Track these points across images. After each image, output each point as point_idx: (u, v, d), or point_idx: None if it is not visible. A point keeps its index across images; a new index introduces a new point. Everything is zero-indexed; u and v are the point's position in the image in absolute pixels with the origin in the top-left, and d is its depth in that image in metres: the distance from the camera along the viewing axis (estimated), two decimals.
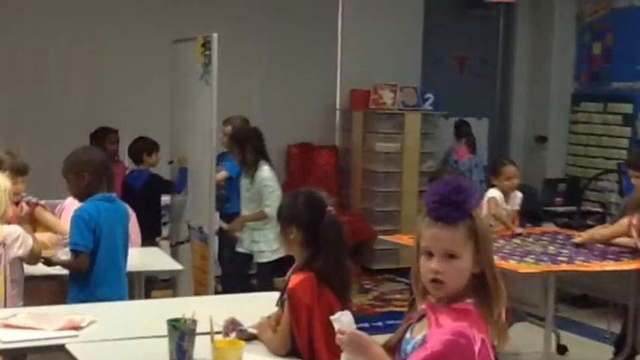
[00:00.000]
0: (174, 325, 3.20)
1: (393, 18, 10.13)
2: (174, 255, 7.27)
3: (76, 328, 3.66)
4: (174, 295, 6.91)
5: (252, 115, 8.39)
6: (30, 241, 4.60)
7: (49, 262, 4.76)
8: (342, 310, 2.75)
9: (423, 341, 2.36)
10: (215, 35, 6.81)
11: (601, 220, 8.96)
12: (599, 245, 6.12)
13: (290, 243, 3.41)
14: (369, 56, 10.03)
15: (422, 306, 2.43)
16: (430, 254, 2.37)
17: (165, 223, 8.03)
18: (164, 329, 3.22)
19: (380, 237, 7.94)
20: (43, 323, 3.67)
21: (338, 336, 2.50)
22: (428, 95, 9.99)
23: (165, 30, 8.43)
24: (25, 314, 3.84)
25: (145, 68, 9.04)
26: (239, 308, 3.71)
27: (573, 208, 8.98)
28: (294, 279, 3.30)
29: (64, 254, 4.73)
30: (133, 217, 5.59)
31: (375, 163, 9.72)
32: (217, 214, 7.43)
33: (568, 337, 7.23)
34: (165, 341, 3.20)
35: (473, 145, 10.12)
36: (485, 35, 11.00)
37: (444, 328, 2.33)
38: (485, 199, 6.62)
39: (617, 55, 10.11)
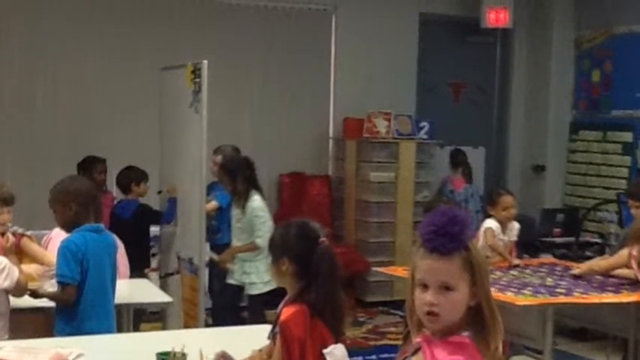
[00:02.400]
0: (164, 358, 3.22)
1: (388, 45, 10.21)
2: (164, 287, 7.28)
3: None
4: (163, 328, 6.92)
5: (244, 144, 8.48)
6: (16, 273, 4.62)
7: (35, 294, 4.78)
8: (336, 343, 2.77)
9: None
10: (205, 62, 6.84)
11: (600, 251, 8.99)
12: (598, 277, 6.15)
13: (282, 275, 3.43)
14: (362, 84, 10.10)
15: (417, 339, 2.45)
16: (425, 286, 2.38)
17: (154, 254, 8.05)
18: None
19: (374, 268, 7.96)
20: (29, 357, 3.68)
21: None
22: (423, 123, 10.03)
23: (154, 57, 8.49)
24: (10, 347, 3.85)
25: (133, 96, 9.08)
26: (230, 341, 3.72)
27: (572, 239, 9.00)
28: (286, 311, 3.32)
29: (51, 286, 4.73)
30: (121, 248, 5.61)
31: (368, 192, 9.75)
32: (207, 245, 7.45)
33: None
34: None
35: (469, 175, 10.14)
36: (482, 62, 11.06)
37: None
38: (482, 229, 6.65)
39: (616, 82, 10.17)
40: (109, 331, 4.68)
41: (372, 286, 9.62)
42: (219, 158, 7.71)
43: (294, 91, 10.03)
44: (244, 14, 9.74)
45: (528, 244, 8.72)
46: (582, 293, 5.66)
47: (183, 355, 3.23)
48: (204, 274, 7.24)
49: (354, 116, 9.93)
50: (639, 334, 5.92)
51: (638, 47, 9.84)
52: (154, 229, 7.88)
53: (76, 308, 4.63)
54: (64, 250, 4.63)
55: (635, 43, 9.88)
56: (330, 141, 10.31)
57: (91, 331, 4.50)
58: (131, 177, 7.81)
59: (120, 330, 5.02)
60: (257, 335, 3.72)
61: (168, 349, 3.26)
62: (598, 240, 9.56)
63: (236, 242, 7.23)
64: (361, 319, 9.16)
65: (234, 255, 7.19)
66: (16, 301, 4.78)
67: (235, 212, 7.21)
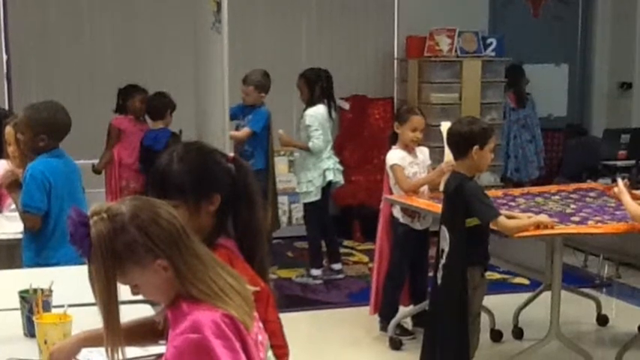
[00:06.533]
0: (24, 296, 3.10)
1: None
2: None
3: None
4: None
5: (301, 66, 8.36)
6: None
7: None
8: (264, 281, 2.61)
9: None
10: None
11: None
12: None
13: (204, 218, 2.72)
14: None
15: None
16: None
17: None
18: None
19: None
20: None
21: None
22: (490, 40, 9.58)
23: None
24: None
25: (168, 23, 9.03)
26: None
27: (633, 162, 8.42)
28: None
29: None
30: None
31: (431, 115, 9.35)
32: None
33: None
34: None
35: (520, 96, 9.65)
36: None
37: None
38: (387, 165, 6.24)
39: None
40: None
41: None
42: (250, 89, 7.77)
43: (354, 8, 9.75)
44: None
45: (590, 168, 8.31)
46: (599, 222, 5.30)
47: (50, 291, 3.11)
48: None
49: (418, 34, 9.55)
50: None
51: None
52: None
53: (50, 236, 4.58)
54: (29, 178, 4.58)
55: None
56: (395, 61, 9.98)
57: (66, 258, 4.37)
58: (166, 103, 7.74)
59: None
60: None
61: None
62: None
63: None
64: None
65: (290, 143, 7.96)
66: None
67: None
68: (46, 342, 2.85)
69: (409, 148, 6.25)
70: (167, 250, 2.19)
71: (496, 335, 6.24)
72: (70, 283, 3.11)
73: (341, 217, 9.22)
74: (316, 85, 7.79)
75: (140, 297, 2.31)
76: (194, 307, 2.20)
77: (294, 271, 8.07)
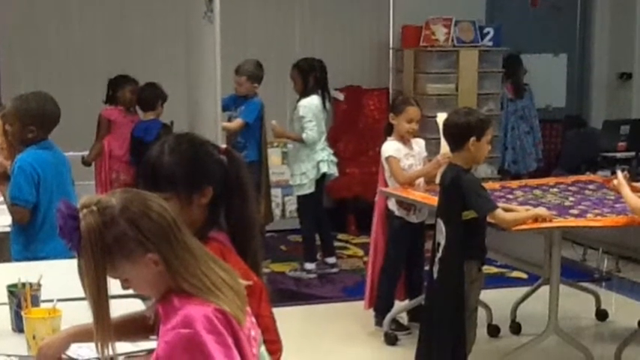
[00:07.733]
0: (12, 290, 3.10)
1: None
2: None
3: None
4: None
5: (294, 56, 8.36)
6: None
7: None
8: (256, 273, 2.60)
9: None
10: None
11: None
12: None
13: (195, 210, 2.72)
14: None
15: None
16: None
17: None
18: None
19: None
20: None
21: None
22: (487, 30, 9.58)
23: None
24: None
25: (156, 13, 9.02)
26: None
27: (633, 153, 8.42)
28: None
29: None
30: None
31: (427, 106, 9.34)
32: None
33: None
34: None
35: (518, 87, 9.66)
36: None
37: None
38: (383, 157, 6.24)
39: None
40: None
41: None
42: (243, 79, 7.75)
43: None
44: None
45: (589, 160, 8.31)
46: (598, 215, 5.31)
47: (39, 286, 3.11)
48: None
49: (413, 23, 9.55)
50: None
51: None
52: None
53: (39, 229, 4.58)
54: (18, 170, 4.58)
55: None
56: (390, 51, 9.98)
57: (55, 251, 4.36)
58: (157, 94, 7.73)
59: None
60: None
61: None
62: None
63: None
64: None
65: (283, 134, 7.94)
66: None
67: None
68: (34, 337, 2.85)
69: (405, 140, 6.25)
70: (158, 244, 2.19)
71: (493, 330, 6.25)
72: (59, 277, 3.11)
73: (335, 209, 9.22)
74: (310, 76, 7.76)
75: (131, 291, 2.31)
76: (186, 302, 2.20)
77: (287, 265, 8.07)
